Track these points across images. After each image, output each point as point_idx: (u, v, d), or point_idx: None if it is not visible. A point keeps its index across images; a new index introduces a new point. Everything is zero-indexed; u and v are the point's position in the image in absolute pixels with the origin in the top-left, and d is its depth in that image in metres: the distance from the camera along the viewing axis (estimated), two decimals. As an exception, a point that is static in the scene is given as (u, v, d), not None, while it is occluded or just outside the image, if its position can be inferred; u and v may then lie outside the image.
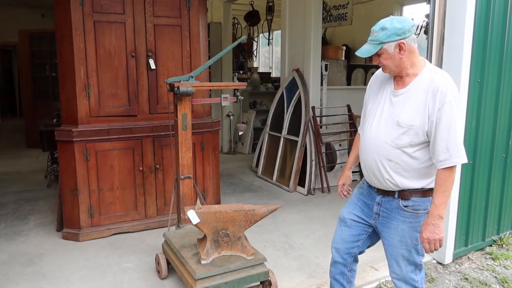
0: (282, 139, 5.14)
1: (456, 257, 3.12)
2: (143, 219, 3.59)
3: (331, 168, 5.09)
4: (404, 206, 1.90)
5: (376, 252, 3.14)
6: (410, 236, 1.90)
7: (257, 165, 5.59)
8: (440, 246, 1.81)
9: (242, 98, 3.00)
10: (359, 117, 5.55)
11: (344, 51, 6.12)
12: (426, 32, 5.11)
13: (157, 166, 3.59)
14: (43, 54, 6.99)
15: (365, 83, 6.58)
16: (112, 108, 3.41)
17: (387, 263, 2.04)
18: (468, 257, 3.17)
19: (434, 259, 3.10)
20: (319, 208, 4.23)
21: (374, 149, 1.92)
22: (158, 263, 2.79)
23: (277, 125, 5.31)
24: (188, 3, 3.54)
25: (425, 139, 1.82)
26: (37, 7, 8.64)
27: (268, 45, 9.69)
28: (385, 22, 1.82)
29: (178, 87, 2.70)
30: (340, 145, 5.14)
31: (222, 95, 3.02)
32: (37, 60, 7.03)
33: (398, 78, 1.91)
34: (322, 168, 4.81)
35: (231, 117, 6.96)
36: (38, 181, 5.05)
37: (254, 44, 9.38)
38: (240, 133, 3.14)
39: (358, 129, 2.19)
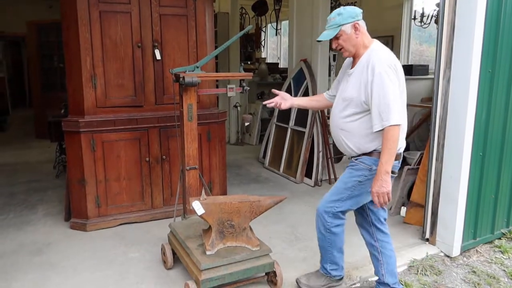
0: (289, 130, 5.11)
1: (464, 250, 3.08)
2: (149, 210, 3.60)
3: (338, 160, 5.05)
4: (355, 159, 2.27)
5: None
6: (345, 177, 2.28)
7: (264, 156, 5.58)
8: (389, 200, 2.09)
9: (248, 88, 2.97)
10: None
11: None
12: (436, 21, 5.03)
13: (164, 157, 3.59)
14: (51, 45, 7.01)
15: (374, 74, 6.50)
16: (118, 98, 3.40)
17: None
18: (476, 250, 3.13)
19: (441, 251, 3.07)
20: (326, 200, 4.20)
21: (334, 123, 2.32)
22: (164, 254, 2.80)
23: (284, 116, 5.27)
24: (194, -7, 3.50)
25: (365, 108, 2.13)
26: (45, -2, 8.65)
27: (276, 35, 9.61)
28: (339, 9, 2.16)
29: (183, 78, 2.68)
30: (347, 136, 5.08)
31: (228, 86, 3.00)
32: (45, 51, 7.06)
33: (353, 60, 2.23)
34: (329, 159, 4.78)
35: (239, 108, 6.93)
36: (47, 171, 5.10)
37: (262, 34, 9.31)
38: (246, 124, 3.13)
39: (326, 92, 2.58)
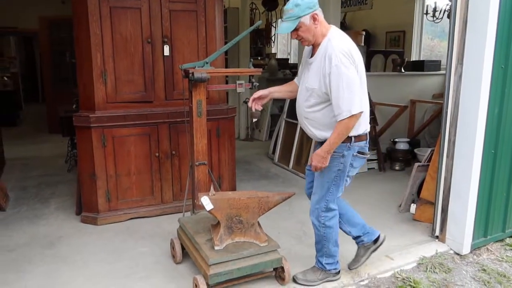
0: (299, 126, 5.09)
1: (475, 248, 3.05)
2: (159, 204, 3.63)
3: (348, 156, 5.02)
4: None
5: (391, 241, 3.12)
6: (324, 171, 2.32)
7: (273, 152, 5.58)
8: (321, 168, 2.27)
9: (257, 84, 2.97)
10: (379, 104, 5.48)
11: (363, 36, 5.98)
12: (449, 16, 4.94)
13: (173, 152, 3.61)
14: (63, 41, 7.08)
15: (385, 69, 6.45)
16: (129, 94, 3.43)
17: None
18: (487, 248, 3.10)
19: (451, 249, 3.05)
20: (335, 196, 4.19)
21: (298, 111, 2.39)
22: (173, 248, 2.83)
23: (294, 112, 5.19)
24: (203, -12, 3.50)
25: (326, 98, 2.19)
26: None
27: (286, 30, 9.56)
28: (296, 0, 2.12)
29: (192, 73, 2.69)
30: (357, 132, 5.05)
31: (237, 82, 3.00)
32: (57, 46, 7.14)
33: (313, 48, 2.26)
34: (339, 155, 4.75)
35: (248, 104, 6.92)
36: (59, 166, 5.17)
37: (272, 29, 9.26)
38: (254, 120, 3.12)
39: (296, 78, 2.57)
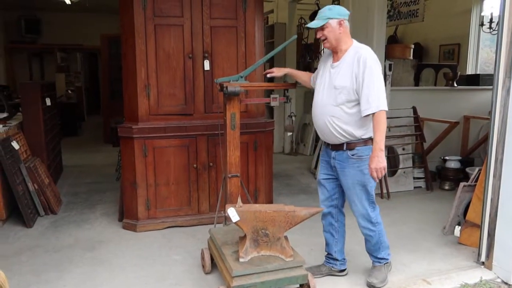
0: (341, 141, 5.00)
1: (526, 277, 2.80)
2: (196, 215, 3.71)
3: (393, 173, 4.84)
4: (352, 155, 2.50)
5: (431, 265, 2.95)
6: (359, 177, 2.49)
7: (316, 167, 5.50)
8: (384, 173, 2.35)
9: (291, 98, 2.98)
10: (427, 119, 5.24)
11: (412, 49, 5.78)
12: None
13: (211, 164, 3.69)
14: (119, 57, 7.52)
15: (436, 84, 6.18)
16: (170, 107, 3.57)
17: (350, 206, 2.65)
18: (541, 278, 2.83)
19: (498, 277, 2.81)
20: (376, 214, 4.04)
21: (322, 111, 2.53)
22: (203, 258, 2.87)
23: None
24: (244, 4, 3.59)
25: (356, 97, 2.40)
26: (118, 13, 9.31)
27: (336, 45, 9.49)
28: (330, 6, 2.48)
29: (226, 87, 2.75)
30: (403, 149, 4.87)
31: (272, 96, 3.03)
32: (114, 62, 7.61)
33: (335, 54, 2.54)
34: (382, 172, 4.58)
35: (293, 118, 6.91)
36: (109, 174, 5.46)
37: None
38: (289, 133, 3.14)
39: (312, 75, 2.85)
